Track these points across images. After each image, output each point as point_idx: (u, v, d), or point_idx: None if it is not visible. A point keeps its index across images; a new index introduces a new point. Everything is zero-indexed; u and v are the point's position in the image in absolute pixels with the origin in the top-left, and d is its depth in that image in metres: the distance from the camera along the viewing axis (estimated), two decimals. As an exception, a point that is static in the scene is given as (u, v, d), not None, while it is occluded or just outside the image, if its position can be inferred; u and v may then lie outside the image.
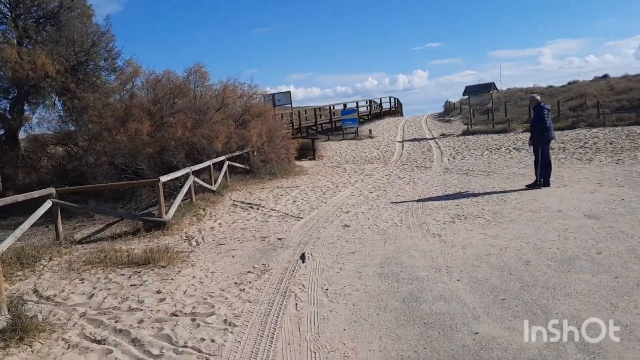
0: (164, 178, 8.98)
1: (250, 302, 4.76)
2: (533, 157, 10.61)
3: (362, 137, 27.16)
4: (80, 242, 8.66)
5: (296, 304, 4.59)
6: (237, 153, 16.04)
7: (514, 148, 18.22)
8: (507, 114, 27.42)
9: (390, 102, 40.62)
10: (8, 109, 15.50)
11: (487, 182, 11.59)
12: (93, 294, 5.43)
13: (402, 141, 24.57)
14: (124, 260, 6.75)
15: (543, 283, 4.54)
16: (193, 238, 8.15)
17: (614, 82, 30.45)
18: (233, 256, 6.69)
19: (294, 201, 11.14)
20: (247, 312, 4.48)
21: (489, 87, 26.89)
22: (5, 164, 15.96)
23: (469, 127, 25.74)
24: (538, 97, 10.52)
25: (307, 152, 22.53)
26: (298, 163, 19.71)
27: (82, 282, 6.00)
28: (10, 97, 15.44)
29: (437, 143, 22.39)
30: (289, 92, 31.33)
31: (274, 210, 10.16)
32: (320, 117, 32.59)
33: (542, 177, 10.15)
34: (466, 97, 32.48)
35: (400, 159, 19.12)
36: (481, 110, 30.05)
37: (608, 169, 12.17)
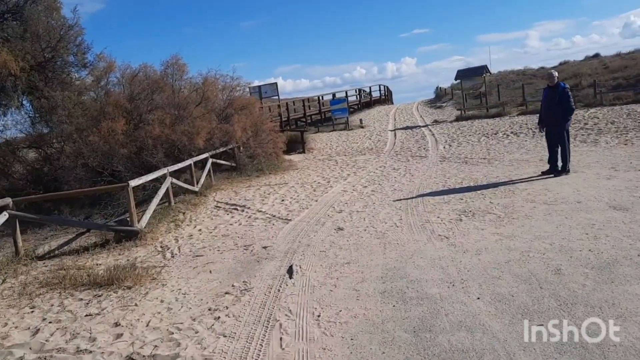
0: (134, 182, 8.04)
1: (225, 336, 3.87)
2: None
3: (352, 127, 26.25)
4: (42, 257, 7.72)
5: (281, 338, 3.71)
6: (222, 149, 15.10)
7: (512, 132, 17.38)
8: (500, 98, 26.62)
9: (380, 90, 39.74)
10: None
11: (490, 170, 10.74)
12: (39, 329, 4.51)
13: (394, 130, 23.70)
14: (84, 281, 5.83)
15: (584, 300, 3.68)
16: (168, 249, 7.24)
17: (607, 61, 29.69)
18: (210, 271, 5.79)
19: (282, 200, 10.25)
20: (219, 353, 3.59)
21: (482, 70, 26.03)
22: (-27, 171, 14.92)
23: (463, 112, 24.89)
24: (556, 74, 9.35)
25: (296, 145, 21.61)
26: (287, 157, 18.79)
27: (32, 312, 5.08)
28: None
29: (430, 130, 21.54)
30: (276, 83, 30.43)
31: (260, 211, 9.26)
32: (309, 109, 31.62)
33: (555, 163, 9.28)
34: (458, 81, 31.70)
35: (393, 149, 18.25)
36: (473, 94, 29.27)
37: (618, 151, 11.36)
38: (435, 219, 6.86)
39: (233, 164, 15.63)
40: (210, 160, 13.85)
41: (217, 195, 11.93)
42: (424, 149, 16.98)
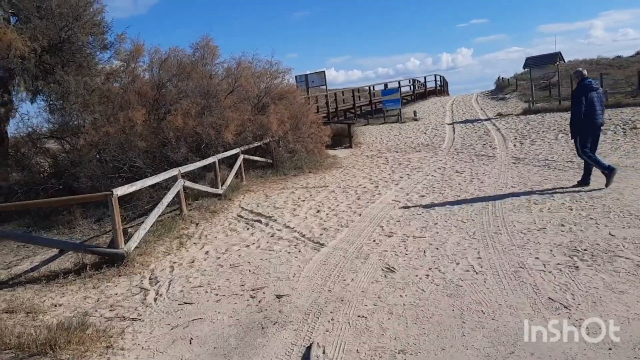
0: (120, 190, 6.15)
1: None
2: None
3: (405, 120, 23.86)
4: (4, 283, 6.02)
5: None
6: (256, 144, 13.21)
7: (596, 129, 14.58)
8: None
9: (435, 80, 36.97)
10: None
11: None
12: None
13: (452, 123, 21.20)
14: (13, 344, 4.00)
15: None
16: (156, 283, 5.35)
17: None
18: (191, 340, 3.82)
19: (318, 211, 8.22)
20: None
21: (554, 57, 22.96)
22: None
23: (531, 104, 22.05)
24: (582, 71, 7.92)
25: (343, 138, 19.50)
26: (331, 152, 16.73)
27: None
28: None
29: (494, 125, 18.92)
30: (324, 72, 28.33)
31: (288, 227, 7.26)
32: (359, 99, 29.43)
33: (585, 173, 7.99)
34: (522, 71, 28.67)
35: (453, 146, 15.85)
36: (541, 85, 26.22)
37: None
38: (532, 260, 4.62)
39: (269, 161, 13.73)
40: (241, 157, 11.98)
41: (245, 200, 10.04)
42: (490, 146, 14.52)
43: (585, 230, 5.39)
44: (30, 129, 14.19)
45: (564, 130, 15.31)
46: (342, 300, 4.18)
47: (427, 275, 4.54)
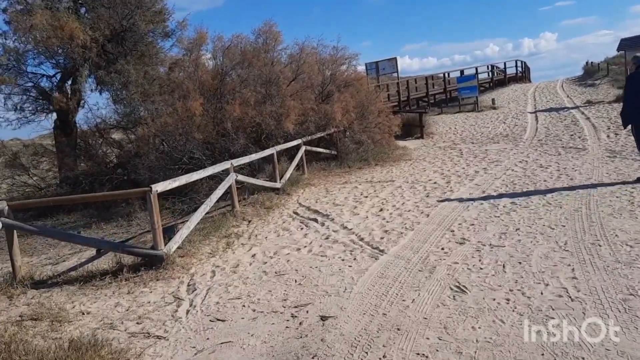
0: (159, 186, 5.63)
1: None
2: None
3: (482, 109, 22.36)
4: (42, 283, 5.68)
5: None
6: (319, 135, 12.54)
7: None
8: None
9: (516, 66, 34.66)
10: (55, 86, 13.13)
11: None
12: None
13: (534, 112, 19.56)
14: (23, 362, 3.53)
15: None
16: (193, 291, 4.79)
17: None
18: (212, 372, 3.18)
19: (381, 209, 7.41)
20: None
21: (654, 37, 20.66)
22: (59, 153, 13.94)
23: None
24: None
25: (414, 129, 18.47)
26: (401, 143, 15.78)
27: None
28: (56, 73, 13.10)
29: (583, 113, 17.17)
30: (395, 59, 27.11)
31: (345, 228, 6.52)
32: (433, 87, 28.07)
33: None
34: (614, 55, 26.24)
35: (536, 136, 14.44)
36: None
37: None
38: (648, 287, 3.61)
39: (333, 152, 13.03)
40: (303, 148, 11.36)
41: (304, 194, 9.41)
42: (580, 137, 13.04)
43: None
44: (99, 119, 14.36)
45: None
46: (398, 330, 3.38)
47: (508, 300, 3.64)
